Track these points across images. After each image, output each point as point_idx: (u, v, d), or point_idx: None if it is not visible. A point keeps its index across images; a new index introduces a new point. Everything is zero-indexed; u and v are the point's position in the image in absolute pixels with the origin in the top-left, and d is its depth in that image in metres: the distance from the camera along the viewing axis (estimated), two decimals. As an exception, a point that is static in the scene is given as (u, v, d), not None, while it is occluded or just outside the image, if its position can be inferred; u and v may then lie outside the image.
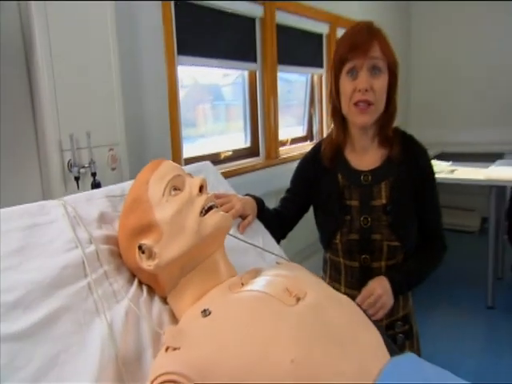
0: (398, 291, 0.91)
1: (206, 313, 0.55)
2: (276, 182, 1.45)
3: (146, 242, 0.63)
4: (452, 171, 2.69)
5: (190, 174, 0.69)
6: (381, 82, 0.90)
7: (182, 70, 2.11)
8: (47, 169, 1.52)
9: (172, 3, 1.87)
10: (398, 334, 1.01)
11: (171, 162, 0.70)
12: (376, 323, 0.59)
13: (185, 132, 2.31)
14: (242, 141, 2.58)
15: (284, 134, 2.81)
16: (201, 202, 0.64)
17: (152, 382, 0.49)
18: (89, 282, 0.61)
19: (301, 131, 3.15)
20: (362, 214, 0.97)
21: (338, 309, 0.56)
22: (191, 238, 0.62)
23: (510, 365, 1.95)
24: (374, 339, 0.55)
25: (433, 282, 2.78)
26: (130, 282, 0.68)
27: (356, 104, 0.90)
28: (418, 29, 4.24)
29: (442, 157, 3.30)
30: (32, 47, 1.37)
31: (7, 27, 1.37)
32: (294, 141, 2.99)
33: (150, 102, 1.86)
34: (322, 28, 2.90)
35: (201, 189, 0.65)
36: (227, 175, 2.22)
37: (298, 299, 0.55)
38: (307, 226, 1.19)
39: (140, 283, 0.69)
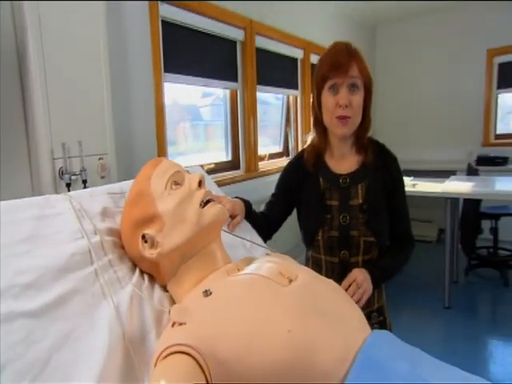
0: (375, 282, 0.95)
1: (207, 293, 0.58)
2: (255, 193, 1.51)
3: (149, 231, 0.65)
4: (414, 185, 2.84)
5: (188, 171, 0.73)
6: (358, 98, 0.97)
7: (165, 88, 2.15)
8: (38, 177, 1.49)
9: (160, 22, 1.91)
10: (373, 324, 1.06)
11: (170, 160, 0.73)
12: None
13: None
14: (221, 158, 2.62)
15: (262, 151, 2.89)
16: (200, 195, 0.67)
17: (161, 353, 0.51)
18: (95, 268, 0.63)
19: (277, 149, 3.24)
20: (341, 212, 1.03)
21: (326, 288, 0.60)
22: (191, 227, 0.65)
23: (464, 355, 2.06)
24: (357, 315, 0.60)
25: (397, 286, 2.93)
26: (133, 271, 0.69)
27: (337, 118, 0.98)
28: (382, 53, 4.50)
29: (405, 173, 3.47)
30: (25, 59, 1.37)
31: (0, 37, 1.36)
32: (272, 156, 3.07)
33: (138, 114, 1.88)
34: (296, 53, 3.04)
35: (199, 184, 0.69)
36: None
37: (291, 280, 0.59)
38: (292, 229, 1.24)
39: (141, 272, 0.70)
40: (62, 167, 1.46)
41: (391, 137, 4.44)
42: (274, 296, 0.55)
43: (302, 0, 2.98)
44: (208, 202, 0.68)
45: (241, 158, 2.65)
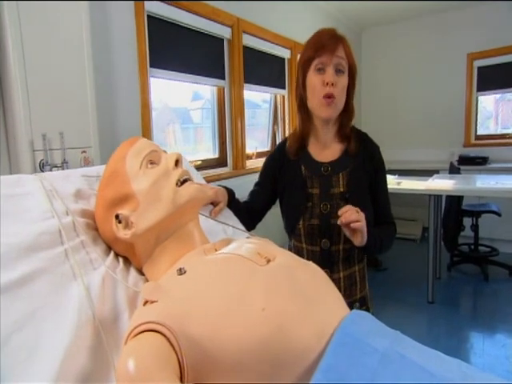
0: (367, 236, 0.90)
1: (181, 271, 0.55)
2: (243, 190, 1.48)
3: (123, 211, 0.62)
4: (398, 183, 2.86)
5: (165, 151, 0.70)
6: (343, 81, 0.96)
7: (153, 92, 2.13)
8: (18, 169, 1.44)
9: (145, 17, 1.88)
10: None
11: (147, 139, 0.70)
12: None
13: None
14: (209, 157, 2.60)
15: (252, 149, 2.88)
16: (177, 174, 0.64)
17: (131, 331, 0.48)
18: (66, 248, 0.59)
19: (265, 148, 3.22)
20: (322, 200, 1.01)
21: (305, 270, 0.58)
22: (167, 206, 0.62)
23: (446, 347, 2.08)
24: (336, 298, 0.57)
25: (383, 282, 2.93)
26: (107, 254, 0.66)
27: (324, 97, 0.96)
28: (367, 55, 4.54)
29: (389, 173, 3.49)
30: (3, 47, 1.32)
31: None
32: (260, 155, 3.05)
33: (124, 107, 1.83)
34: (284, 52, 3.03)
35: (177, 163, 0.66)
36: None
37: (269, 261, 0.57)
38: (277, 220, 1.21)
39: (116, 255, 0.67)
40: (42, 159, 1.41)
41: (377, 138, 4.47)
42: (249, 274, 0.53)
43: (290, 0, 2.98)
44: (185, 181, 0.65)
45: (228, 155, 2.63)
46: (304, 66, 0.99)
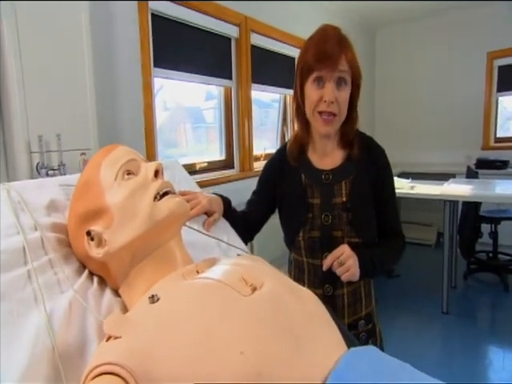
0: (362, 267, 0.84)
1: (153, 299, 0.48)
2: (250, 193, 1.41)
3: (96, 227, 0.56)
4: (412, 187, 2.73)
5: (146, 160, 0.63)
6: (344, 94, 0.87)
7: (167, 90, 2.10)
8: (14, 171, 1.40)
9: (149, 15, 1.83)
10: (360, 333, 0.96)
11: (127, 147, 0.63)
12: (338, 321, 0.53)
13: (168, 151, 2.28)
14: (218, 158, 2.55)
15: (260, 150, 2.82)
16: (155, 186, 0.57)
17: (89, 373, 0.41)
18: (29, 269, 0.53)
19: (274, 149, 3.14)
20: (323, 211, 0.93)
21: (296, 301, 0.50)
22: (143, 223, 0.55)
23: (462, 363, 1.94)
24: (333, 336, 0.49)
25: (395, 289, 2.81)
26: (79, 273, 0.59)
27: (320, 113, 0.87)
28: (382, 54, 4.40)
29: (403, 176, 3.37)
30: (0, 45, 1.28)
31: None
32: (268, 156, 2.97)
33: (125, 108, 1.78)
34: (293, 51, 2.94)
35: (156, 174, 0.59)
36: (203, 185, 2.17)
37: (254, 289, 0.49)
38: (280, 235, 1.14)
39: (90, 274, 0.60)
40: (39, 162, 1.37)
41: (390, 139, 4.34)
42: (229, 308, 0.45)
43: (301, 0, 2.89)
44: (165, 194, 0.58)
45: (235, 157, 2.56)
46: (302, 74, 0.89)
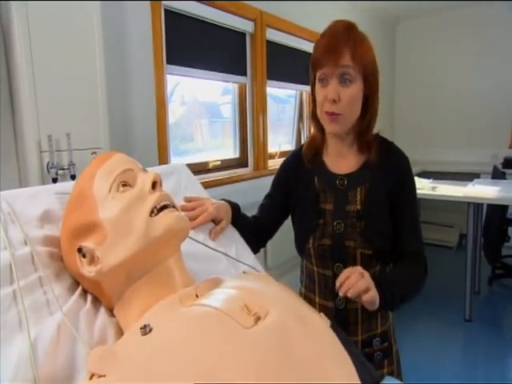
0: (382, 296, 0.70)
1: (145, 330, 0.43)
2: (264, 192, 1.35)
3: (88, 244, 0.51)
4: (433, 188, 2.61)
5: (144, 169, 0.58)
6: (349, 92, 0.79)
7: (184, 85, 2.06)
8: (25, 170, 1.39)
9: (162, 11, 1.78)
10: (375, 352, 0.89)
11: (124, 155, 0.58)
12: (352, 350, 0.47)
13: (184, 146, 2.25)
14: (232, 155, 2.50)
15: (275, 148, 2.75)
16: (152, 199, 0.52)
17: None
18: (14, 289, 0.49)
19: (289, 147, 3.07)
20: (336, 218, 0.86)
21: (304, 333, 0.44)
22: (138, 240, 0.50)
23: (486, 376, 1.84)
24: (345, 373, 0.43)
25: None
26: (72, 290, 0.55)
27: (326, 112, 0.82)
28: (402, 49, 4.23)
29: (424, 175, 3.23)
30: (11, 42, 1.27)
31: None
32: (283, 154, 2.90)
33: (137, 106, 1.75)
34: (310, 46, 2.84)
35: (154, 185, 0.53)
36: (216, 184, 2.13)
37: (258, 319, 0.43)
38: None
39: (84, 291, 0.56)
40: (49, 161, 1.35)
41: (410, 136, 4.18)
42: (229, 343, 0.39)
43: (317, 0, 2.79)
44: (164, 208, 0.53)
45: (249, 155, 2.50)
46: (312, 72, 0.84)
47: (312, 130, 0.94)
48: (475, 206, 2.41)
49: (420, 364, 1.90)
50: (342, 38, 0.78)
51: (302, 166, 0.94)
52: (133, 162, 0.57)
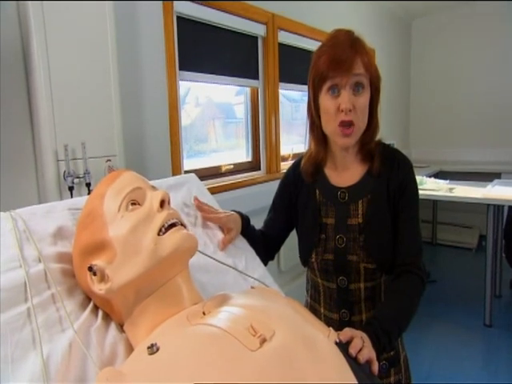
0: (376, 344, 0.64)
1: (152, 349, 0.43)
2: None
3: (98, 262, 0.52)
4: (451, 190, 2.55)
5: (153, 187, 0.58)
6: (363, 100, 0.78)
7: (198, 87, 2.08)
8: (44, 179, 1.43)
9: (175, 18, 1.80)
10: (382, 361, 0.87)
11: (133, 172, 0.59)
12: (360, 371, 0.46)
13: (198, 146, 2.27)
14: (245, 157, 2.51)
15: (288, 150, 2.74)
16: (160, 218, 0.52)
17: None
18: (29, 307, 0.50)
19: (302, 148, 3.05)
20: (337, 233, 0.85)
21: (309, 356, 0.43)
22: (147, 259, 0.50)
23: (508, 382, 1.78)
24: None
25: (430, 298, 2.64)
26: (84, 307, 0.56)
27: (340, 125, 0.79)
28: (418, 49, 4.14)
29: (441, 175, 3.16)
30: (30, 56, 1.31)
31: (6, 37, 1.31)
32: (296, 156, 2.88)
33: (150, 114, 1.77)
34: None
35: (162, 204, 0.54)
36: (229, 188, 2.14)
37: (264, 341, 0.43)
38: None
39: (95, 307, 0.57)
40: (65, 170, 1.39)
41: (426, 135, 4.09)
42: (233, 366, 0.39)
43: (332, 0, 2.76)
44: (172, 226, 0.53)
45: (261, 158, 2.50)
46: (314, 84, 0.81)
47: (312, 145, 0.91)
48: (495, 207, 2.34)
49: (437, 371, 1.86)
50: (350, 47, 0.77)
51: (302, 179, 0.93)
52: (142, 179, 0.58)
